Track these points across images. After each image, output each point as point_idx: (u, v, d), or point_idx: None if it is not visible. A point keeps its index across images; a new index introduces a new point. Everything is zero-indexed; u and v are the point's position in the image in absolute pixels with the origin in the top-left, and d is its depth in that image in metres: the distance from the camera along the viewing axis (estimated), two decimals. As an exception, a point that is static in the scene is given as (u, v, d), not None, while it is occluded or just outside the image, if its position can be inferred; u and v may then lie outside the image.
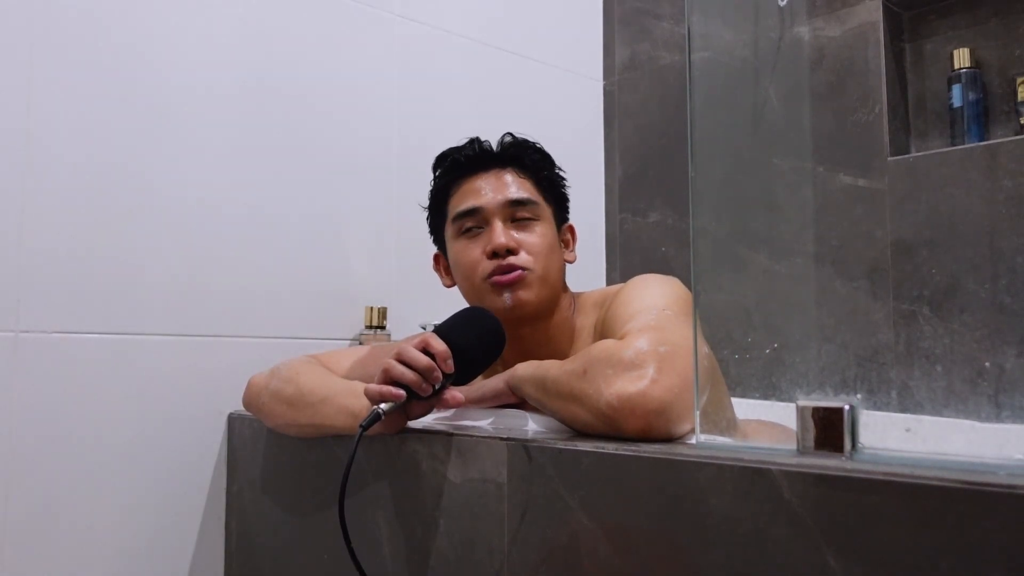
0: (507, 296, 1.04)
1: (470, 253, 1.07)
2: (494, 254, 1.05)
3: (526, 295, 1.04)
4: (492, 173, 1.10)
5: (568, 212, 1.18)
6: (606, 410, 0.75)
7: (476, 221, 1.08)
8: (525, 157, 1.12)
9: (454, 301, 1.12)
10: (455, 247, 1.10)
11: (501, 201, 1.07)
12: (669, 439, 0.75)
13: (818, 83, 1.54)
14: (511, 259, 1.04)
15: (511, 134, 1.14)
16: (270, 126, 1.42)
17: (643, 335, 0.80)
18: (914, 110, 1.53)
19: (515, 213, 1.08)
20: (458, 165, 1.11)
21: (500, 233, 1.05)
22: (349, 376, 1.10)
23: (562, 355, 1.07)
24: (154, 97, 1.29)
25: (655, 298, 0.95)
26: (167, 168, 1.29)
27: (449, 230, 1.11)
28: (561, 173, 1.16)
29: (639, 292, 1.00)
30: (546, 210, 1.11)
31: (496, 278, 1.04)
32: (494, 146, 1.13)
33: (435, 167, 1.15)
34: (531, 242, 1.07)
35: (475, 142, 1.12)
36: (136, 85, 1.27)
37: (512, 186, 1.09)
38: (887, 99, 1.49)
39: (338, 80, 1.52)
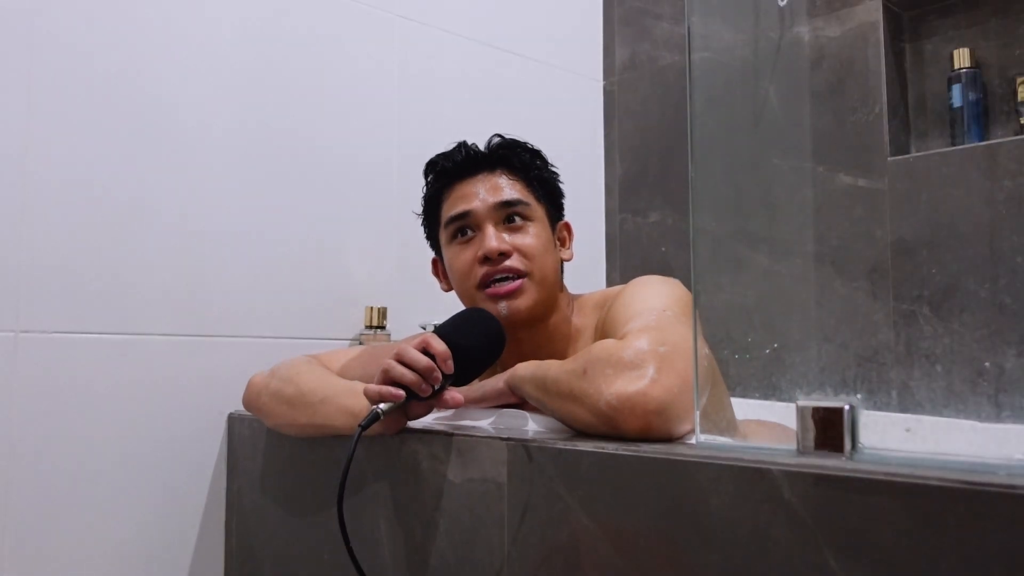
0: (503, 305, 1.03)
1: (463, 258, 1.07)
2: (486, 259, 1.04)
3: (522, 302, 1.04)
4: (481, 176, 1.09)
5: (563, 210, 1.17)
6: (606, 409, 0.75)
7: (467, 225, 1.07)
8: (514, 158, 1.11)
9: (454, 301, 1.12)
10: (448, 253, 1.10)
11: (491, 204, 1.06)
12: (669, 439, 0.75)
13: (818, 83, 1.54)
14: (505, 263, 1.04)
15: (499, 135, 1.13)
16: (270, 126, 1.42)
17: (643, 335, 0.80)
18: (914, 110, 1.53)
19: (507, 215, 1.07)
20: (447, 171, 1.11)
21: (491, 237, 1.04)
22: (349, 376, 1.10)
23: (561, 357, 1.07)
24: (154, 97, 1.29)
25: (655, 299, 0.95)
26: (166, 168, 1.29)
27: (442, 236, 1.11)
28: (554, 170, 1.15)
29: (639, 293, 0.99)
30: (539, 210, 1.10)
31: (491, 289, 1.04)
32: (483, 148, 1.12)
33: (426, 173, 1.15)
34: (525, 244, 1.06)
35: (463, 147, 1.11)
36: (136, 85, 1.27)
37: (502, 188, 1.08)
38: (887, 99, 1.49)
39: (338, 80, 1.52)
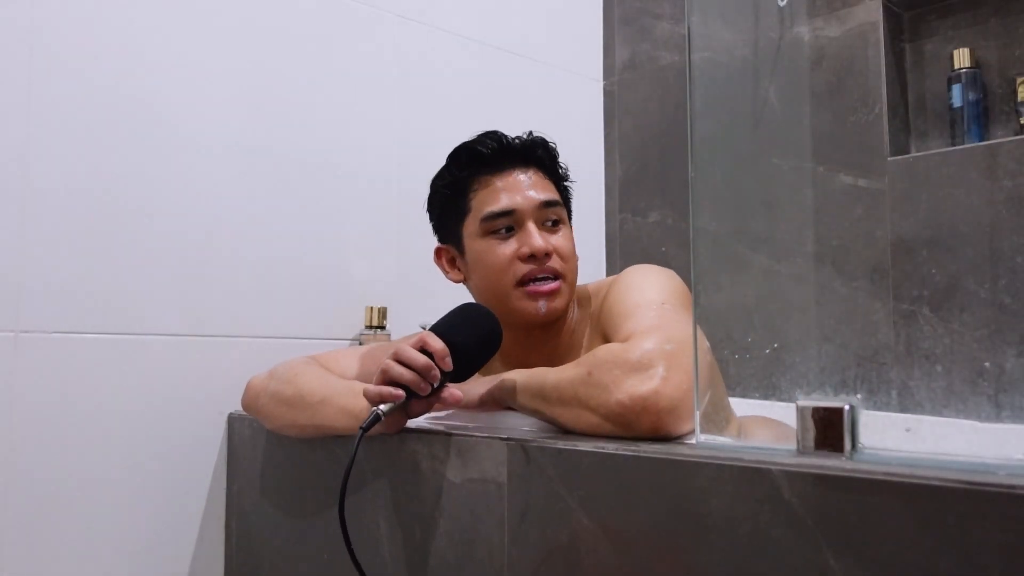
0: (542, 304, 1.03)
1: (501, 253, 1.04)
2: (531, 257, 1.03)
3: (560, 303, 1.04)
4: (519, 171, 1.07)
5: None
6: (617, 408, 0.75)
7: (509, 222, 1.05)
8: (547, 158, 1.10)
9: (455, 301, 1.11)
10: (479, 245, 1.06)
11: (536, 203, 1.05)
12: (677, 437, 0.75)
13: (818, 83, 1.54)
14: (548, 263, 1.03)
15: (531, 132, 1.11)
16: (269, 126, 1.42)
17: (648, 335, 0.80)
18: (914, 110, 1.53)
19: (546, 215, 1.06)
20: (481, 158, 1.07)
21: (537, 236, 1.03)
22: (349, 376, 1.10)
23: (566, 349, 1.08)
24: (153, 96, 1.28)
25: (652, 291, 0.95)
26: (166, 168, 1.29)
27: (472, 227, 1.07)
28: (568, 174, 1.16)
29: (635, 283, 0.99)
30: (564, 212, 1.10)
31: (533, 287, 1.03)
32: (511, 143, 1.09)
33: (452, 159, 1.10)
34: (561, 246, 1.05)
35: (497, 136, 1.08)
36: (135, 84, 1.27)
37: (541, 187, 1.07)
38: (887, 99, 1.49)
39: (338, 80, 1.52)
